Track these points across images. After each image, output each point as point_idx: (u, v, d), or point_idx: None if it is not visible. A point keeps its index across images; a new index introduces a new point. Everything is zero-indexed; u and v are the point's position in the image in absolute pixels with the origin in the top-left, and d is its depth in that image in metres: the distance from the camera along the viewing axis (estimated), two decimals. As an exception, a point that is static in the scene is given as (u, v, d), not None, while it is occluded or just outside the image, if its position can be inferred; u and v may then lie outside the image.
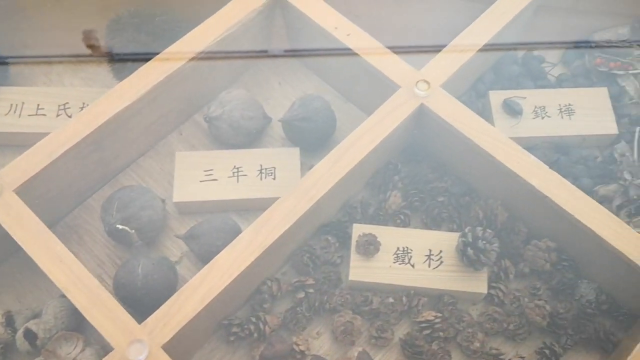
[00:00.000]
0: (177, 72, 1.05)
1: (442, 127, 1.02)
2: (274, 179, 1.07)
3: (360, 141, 0.99)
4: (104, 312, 0.86)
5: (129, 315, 0.86)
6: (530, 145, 1.11)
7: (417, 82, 1.03)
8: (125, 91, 1.02)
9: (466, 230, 0.97)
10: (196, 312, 0.87)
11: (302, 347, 0.95)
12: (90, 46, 1.18)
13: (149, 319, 0.86)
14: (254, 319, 0.95)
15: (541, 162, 0.97)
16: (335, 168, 0.97)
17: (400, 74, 1.04)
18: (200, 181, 1.06)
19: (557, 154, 1.11)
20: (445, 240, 1.01)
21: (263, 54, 1.23)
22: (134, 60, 1.09)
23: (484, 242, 0.95)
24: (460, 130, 1.00)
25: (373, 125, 1.00)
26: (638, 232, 0.98)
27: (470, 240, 0.96)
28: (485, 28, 1.09)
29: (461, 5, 1.15)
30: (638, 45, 1.19)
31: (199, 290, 0.88)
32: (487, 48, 1.09)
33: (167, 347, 0.85)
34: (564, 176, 1.06)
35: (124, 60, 1.11)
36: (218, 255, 0.90)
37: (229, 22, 1.09)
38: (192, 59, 1.06)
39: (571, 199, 0.95)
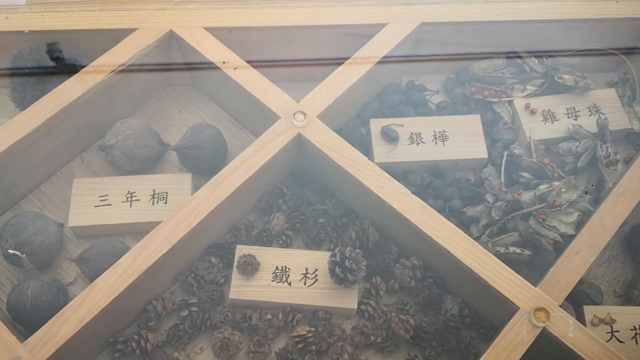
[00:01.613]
0: (73, 103, 1.11)
1: (318, 155, 1.10)
2: (166, 203, 1.14)
3: (239, 169, 1.06)
4: (-12, 332, 0.92)
5: (11, 335, 0.93)
6: (407, 169, 1.19)
7: (295, 113, 1.10)
8: (21, 123, 1.09)
9: (336, 250, 1.05)
10: (75, 331, 0.93)
11: (183, 362, 1.02)
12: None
13: (30, 338, 0.93)
14: (136, 337, 1.02)
15: (404, 187, 1.05)
16: (215, 194, 1.04)
17: (280, 106, 1.12)
18: (95, 206, 1.13)
19: (432, 176, 1.19)
20: (321, 260, 1.09)
21: (164, 84, 1.30)
22: (34, 92, 1.15)
23: (351, 261, 1.03)
24: (332, 157, 1.08)
25: (252, 154, 1.08)
26: (498, 250, 1.08)
27: (338, 260, 1.04)
28: (363, 60, 1.17)
29: (347, 40, 1.22)
30: (511, 73, 1.28)
31: (79, 311, 0.95)
32: (366, 78, 1.18)
33: (47, 364, 0.92)
34: (437, 198, 1.15)
35: (25, 92, 1.17)
36: (98, 278, 0.97)
37: (124, 57, 1.16)
38: (89, 90, 1.13)
39: (429, 221, 1.03)
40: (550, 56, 1.29)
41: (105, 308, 0.96)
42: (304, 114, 1.10)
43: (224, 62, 1.16)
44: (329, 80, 1.15)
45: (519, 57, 1.29)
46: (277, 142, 1.09)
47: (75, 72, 1.14)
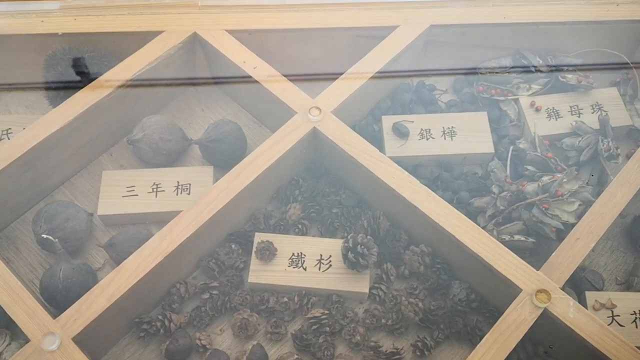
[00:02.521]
0: (102, 100, 1.19)
1: (333, 148, 1.16)
2: (189, 194, 1.21)
3: (257, 160, 1.13)
4: (24, 309, 0.99)
5: (45, 312, 1.00)
6: (417, 163, 1.26)
7: (310, 108, 1.17)
8: (55, 118, 1.16)
9: (348, 237, 1.11)
10: (104, 308, 1.00)
11: (204, 342, 1.09)
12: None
13: (62, 315, 0.99)
14: (160, 317, 1.09)
15: (413, 177, 1.11)
16: (235, 184, 1.11)
17: (296, 101, 1.19)
18: (123, 196, 1.20)
19: (441, 170, 1.25)
20: (335, 247, 1.15)
21: (188, 84, 1.37)
22: (66, 90, 1.23)
23: (363, 247, 1.09)
24: (346, 150, 1.14)
25: (270, 147, 1.15)
26: (503, 238, 1.13)
27: (351, 245, 1.10)
28: (375, 60, 1.24)
29: (359, 41, 1.29)
30: (517, 73, 1.34)
31: (108, 289, 1.02)
32: (378, 77, 1.24)
33: (78, 339, 0.98)
34: (445, 190, 1.21)
35: (59, 90, 1.25)
36: (126, 259, 1.04)
37: (150, 58, 1.23)
38: (117, 88, 1.20)
39: (437, 209, 1.09)
40: (554, 56, 1.35)
41: (132, 288, 1.02)
42: (319, 109, 1.17)
43: (244, 62, 1.23)
44: (342, 79, 1.22)
45: (524, 57, 1.34)
46: (294, 135, 1.16)
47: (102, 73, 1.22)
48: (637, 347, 0.99)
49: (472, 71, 1.37)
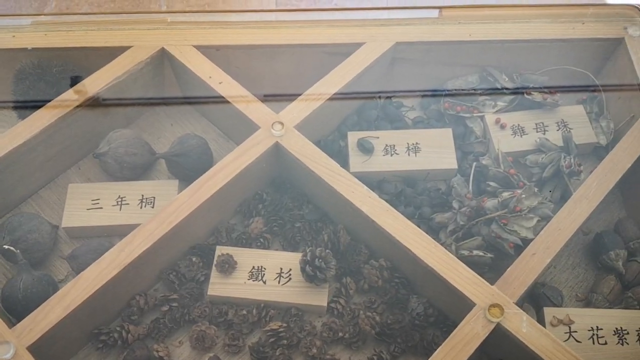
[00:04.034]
0: (69, 114, 1.21)
1: (295, 163, 1.18)
2: (153, 207, 1.22)
3: (219, 174, 1.14)
4: (-20, 319, 1.00)
5: (1, 321, 1.00)
6: (381, 178, 1.27)
7: (273, 123, 1.19)
8: (20, 131, 1.18)
9: (307, 250, 1.12)
10: (60, 318, 1.01)
11: (161, 354, 1.09)
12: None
13: (17, 325, 1.00)
14: (118, 328, 1.09)
15: (372, 192, 1.12)
16: (195, 197, 1.12)
17: (259, 116, 1.20)
18: (87, 209, 1.22)
19: (405, 186, 1.26)
20: (295, 261, 1.16)
21: (157, 99, 1.39)
22: (35, 104, 1.25)
23: (321, 260, 1.10)
24: (307, 164, 1.16)
25: (232, 160, 1.16)
26: (462, 253, 1.14)
27: (309, 259, 1.11)
28: (340, 77, 1.26)
29: (327, 59, 1.31)
30: (482, 91, 1.35)
31: (64, 300, 1.02)
32: (343, 93, 1.26)
33: (33, 349, 0.99)
34: (407, 205, 1.22)
35: (27, 104, 1.26)
36: (84, 270, 1.05)
37: (118, 72, 1.25)
38: (84, 102, 1.22)
39: (394, 223, 1.10)
40: (520, 74, 1.36)
41: (89, 298, 1.03)
42: (282, 124, 1.18)
43: (210, 77, 1.25)
44: (306, 95, 1.24)
45: (490, 75, 1.36)
46: (256, 149, 1.17)
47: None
48: (592, 363, 0.99)
49: (439, 89, 1.38)
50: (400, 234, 1.09)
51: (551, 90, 1.35)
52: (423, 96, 1.40)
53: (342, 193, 1.13)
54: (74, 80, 1.26)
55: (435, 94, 1.38)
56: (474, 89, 1.34)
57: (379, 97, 1.38)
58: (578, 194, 1.14)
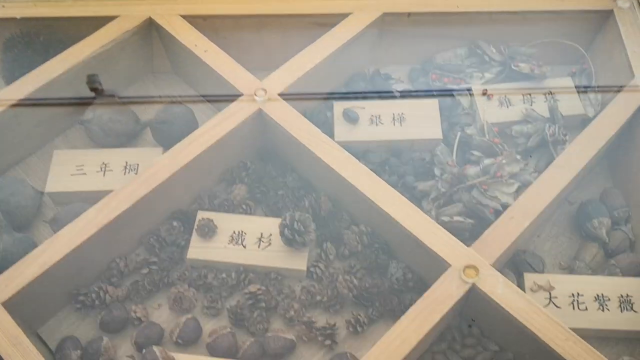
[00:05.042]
0: (55, 80, 1.22)
1: (278, 129, 1.18)
2: (136, 174, 1.23)
3: (200, 139, 1.15)
4: (-42, 275, 1.01)
5: (-23, 278, 1.01)
6: (366, 148, 1.26)
7: (256, 90, 1.19)
8: (7, 95, 1.20)
9: (286, 214, 1.12)
10: (35, 276, 1.01)
11: (139, 314, 1.09)
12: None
13: (-7, 280, 1.01)
14: (96, 289, 1.10)
15: (353, 157, 1.12)
16: (176, 161, 1.13)
17: (243, 83, 1.21)
18: (72, 175, 1.23)
19: (390, 155, 1.26)
20: (276, 226, 1.15)
21: (146, 69, 1.40)
22: (22, 71, 1.26)
23: (300, 224, 1.10)
24: (288, 130, 1.16)
25: (213, 126, 1.16)
26: (443, 219, 1.13)
27: (287, 222, 1.10)
28: (325, 46, 1.26)
29: (314, 29, 1.31)
30: (471, 63, 1.34)
31: (40, 258, 1.03)
32: (329, 63, 1.26)
33: (8, 305, 0.99)
34: (392, 174, 1.22)
35: (14, 72, 1.28)
36: (62, 229, 1.06)
37: (104, 41, 1.26)
38: (71, 68, 1.23)
39: (373, 185, 1.09)
40: (508, 47, 1.35)
41: (66, 257, 1.04)
42: (265, 90, 1.19)
43: (195, 45, 1.26)
44: (291, 62, 1.24)
45: (479, 47, 1.35)
46: (238, 116, 1.18)
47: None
48: (572, 328, 0.97)
49: (429, 62, 1.38)
50: (380, 198, 1.08)
51: (539, 61, 1.33)
52: (412, 69, 1.39)
53: (322, 158, 1.12)
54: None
55: (424, 65, 1.38)
56: (462, 61, 1.33)
57: (367, 70, 1.37)
58: (559, 160, 1.13)
